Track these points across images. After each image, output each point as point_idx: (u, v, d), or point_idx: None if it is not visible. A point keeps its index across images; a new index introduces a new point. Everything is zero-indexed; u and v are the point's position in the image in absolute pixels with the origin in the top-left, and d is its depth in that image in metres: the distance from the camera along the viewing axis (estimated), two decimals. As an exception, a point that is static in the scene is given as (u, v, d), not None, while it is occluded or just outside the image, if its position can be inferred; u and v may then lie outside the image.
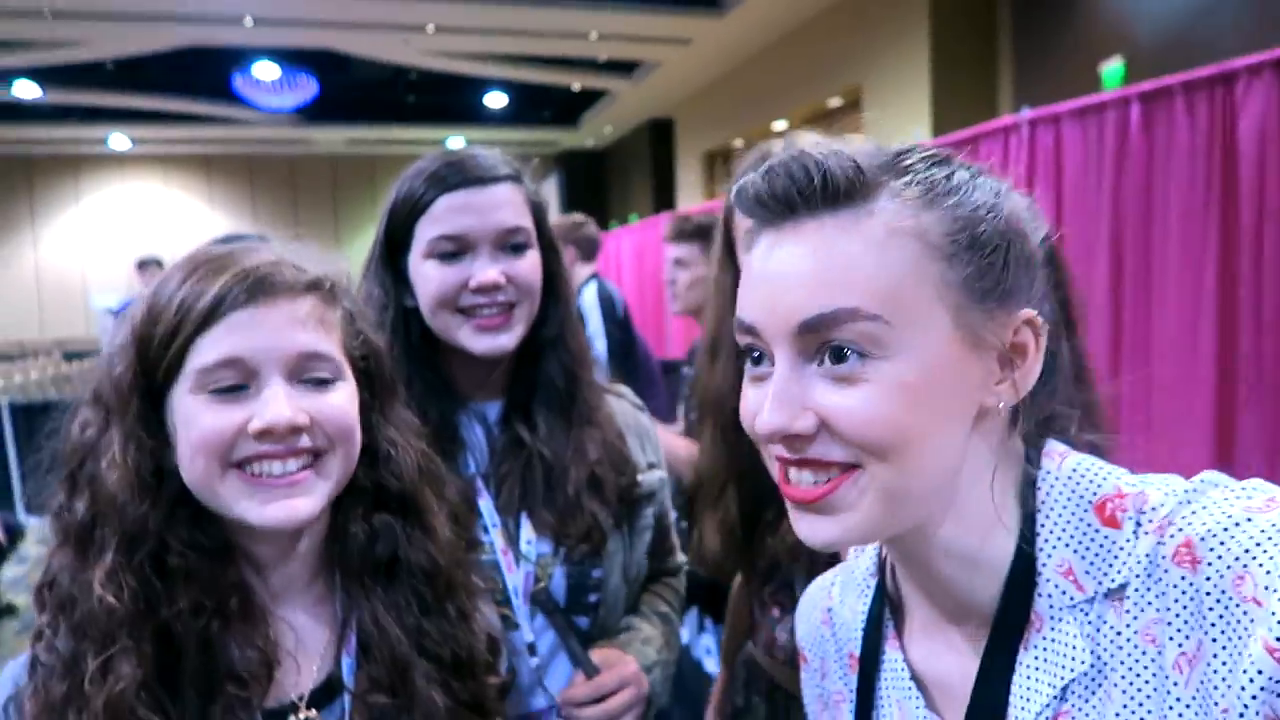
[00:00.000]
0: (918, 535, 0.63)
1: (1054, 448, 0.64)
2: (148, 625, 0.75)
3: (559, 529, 1.16)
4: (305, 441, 0.79)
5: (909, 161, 0.61)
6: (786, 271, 0.58)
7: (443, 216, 1.11)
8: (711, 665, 2.86)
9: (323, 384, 0.81)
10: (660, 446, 1.34)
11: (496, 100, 11.35)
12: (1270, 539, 0.50)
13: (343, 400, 0.82)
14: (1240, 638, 0.50)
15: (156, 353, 0.78)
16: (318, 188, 14.00)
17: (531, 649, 1.16)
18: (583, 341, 1.26)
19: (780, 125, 9.40)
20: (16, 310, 12.53)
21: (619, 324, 3.75)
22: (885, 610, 0.73)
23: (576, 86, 10.69)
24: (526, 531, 1.16)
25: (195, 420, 0.77)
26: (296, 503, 0.79)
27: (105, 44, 8.28)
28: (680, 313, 2.71)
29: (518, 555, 1.15)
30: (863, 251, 0.57)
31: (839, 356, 0.57)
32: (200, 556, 0.79)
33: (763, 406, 0.58)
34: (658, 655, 1.23)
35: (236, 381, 0.78)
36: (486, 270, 1.11)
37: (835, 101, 8.12)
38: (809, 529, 0.60)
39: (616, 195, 13.00)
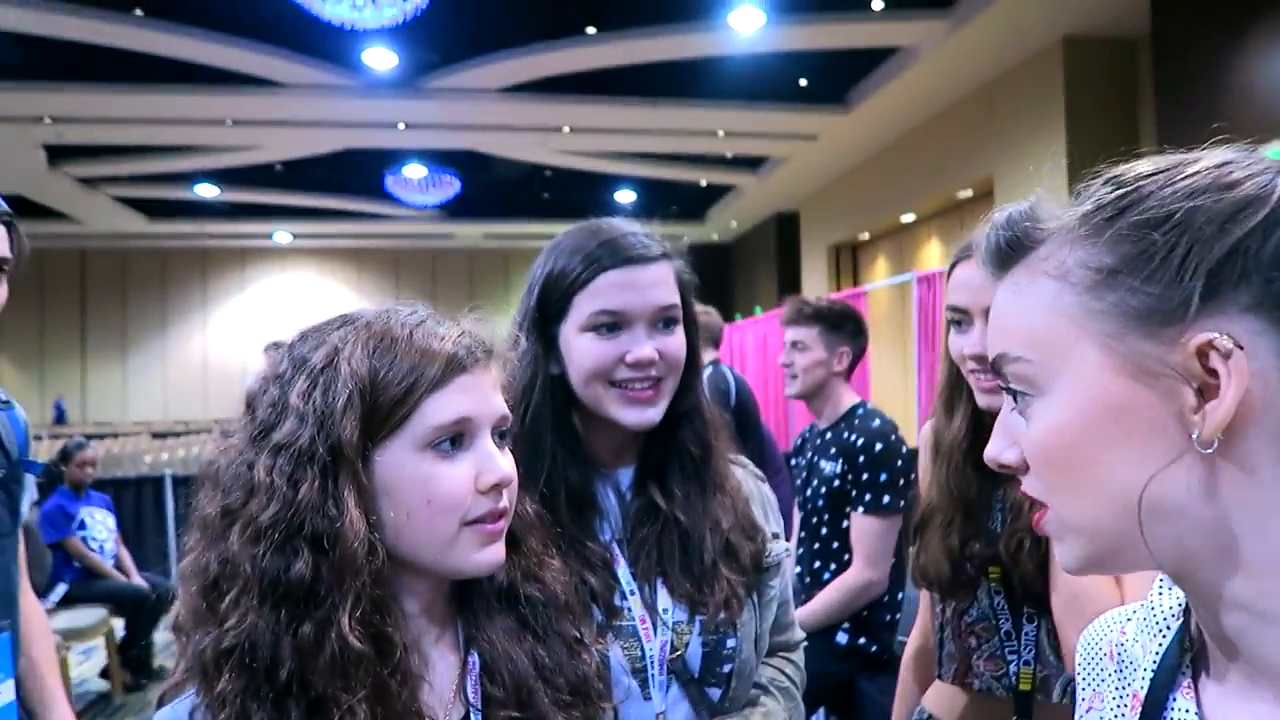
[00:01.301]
0: (1191, 583, 0.58)
1: None
2: (367, 682, 0.77)
3: (696, 596, 1.16)
4: (507, 498, 0.86)
5: (1088, 195, 0.59)
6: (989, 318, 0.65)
7: (603, 292, 1.14)
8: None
9: (505, 438, 0.89)
10: (781, 518, 1.34)
11: (626, 196, 11.77)
12: None
13: (514, 462, 0.90)
14: None
15: (386, 411, 0.82)
16: (456, 279, 14.77)
17: (661, 719, 1.14)
18: (715, 412, 1.28)
19: (909, 218, 9.32)
20: (184, 391, 13.60)
21: (731, 411, 3.77)
22: (1185, 657, 0.66)
23: (703, 182, 10.97)
24: (663, 598, 1.16)
25: (435, 478, 0.81)
26: (501, 547, 0.86)
27: (275, 149, 9.13)
28: (795, 396, 2.68)
29: (655, 622, 1.15)
30: (1007, 299, 0.62)
31: (1014, 396, 0.61)
32: (379, 611, 0.82)
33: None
34: None
35: (458, 436, 0.84)
36: (643, 347, 1.13)
37: (966, 193, 8.01)
38: (1056, 552, 0.64)
39: (742, 288, 13.11)
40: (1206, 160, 0.56)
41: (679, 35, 6.57)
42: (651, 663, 1.13)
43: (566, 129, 8.60)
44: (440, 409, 0.82)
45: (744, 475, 1.31)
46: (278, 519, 0.78)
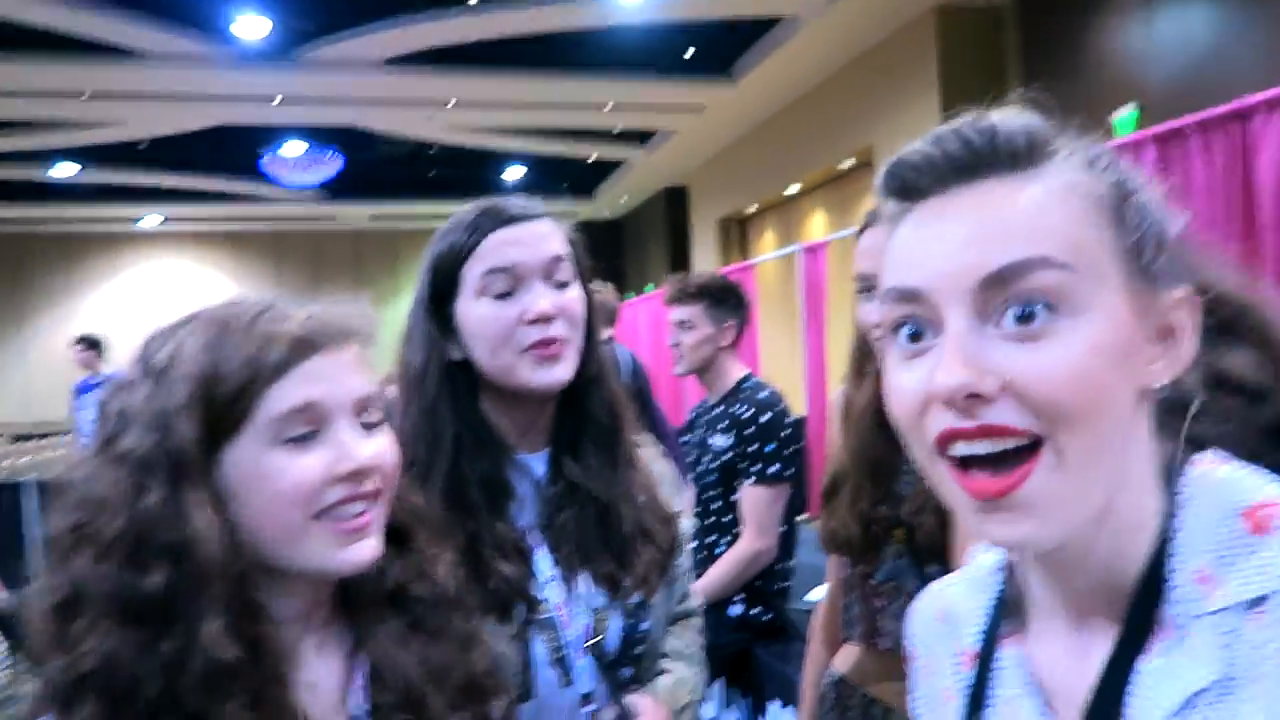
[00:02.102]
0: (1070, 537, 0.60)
1: (1214, 453, 0.61)
2: (241, 690, 0.74)
3: (616, 576, 1.16)
4: (371, 484, 0.81)
5: (1068, 133, 0.61)
6: (965, 228, 0.56)
7: (491, 252, 1.13)
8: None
9: (374, 427, 0.84)
10: (681, 494, 1.37)
11: (515, 173, 11.63)
12: None
13: (389, 445, 0.85)
14: None
15: (224, 408, 0.77)
16: (341, 262, 14.28)
17: (587, 699, 1.15)
18: (620, 384, 1.27)
19: (794, 189, 9.54)
20: (48, 390, 12.68)
21: (633, 388, 3.79)
22: (1007, 609, 0.70)
23: (592, 157, 10.95)
24: (584, 583, 1.16)
25: (281, 472, 0.77)
26: (369, 544, 0.81)
27: (140, 124, 8.60)
28: (685, 373, 2.72)
29: (576, 608, 1.15)
30: (1045, 202, 0.56)
31: (1024, 315, 0.53)
32: (248, 617, 0.78)
33: (938, 367, 0.54)
34: (690, 696, 1.24)
35: (310, 428, 0.79)
36: (539, 300, 1.12)
37: (848, 163, 8.25)
38: (1002, 528, 0.56)
39: (633, 264, 13.16)
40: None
41: (563, 5, 6.52)
42: (569, 647, 1.14)
43: (453, 103, 8.42)
44: (283, 397, 0.78)
45: (649, 454, 1.32)
46: (124, 534, 0.75)
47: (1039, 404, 0.53)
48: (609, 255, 13.30)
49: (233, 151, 9.82)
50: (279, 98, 8.06)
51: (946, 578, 0.81)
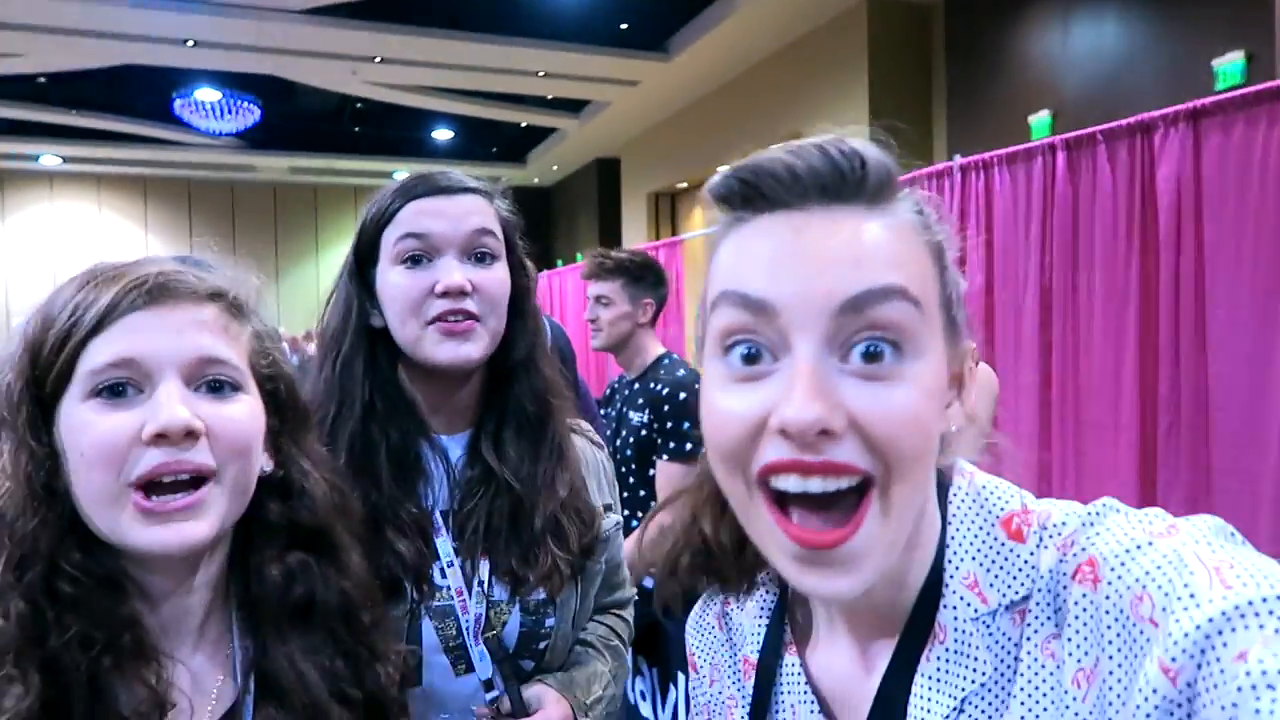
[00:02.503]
0: None
1: (964, 466, 0.65)
2: (35, 654, 0.69)
3: (519, 571, 1.12)
4: (202, 455, 0.74)
5: (899, 182, 0.61)
6: (824, 250, 0.54)
7: (408, 219, 1.09)
8: (646, 709, 2.80)
9: (222, 390, 0.77)
10: (616, 486, 1.32)
11: (443, 134, 11.35)
12: (1170, 563, 0.50)
13: (243, 412, 0.78)
14: (1137, 656, 0.49)
15: (47, 359, 0.73)
16: (258, 215, 13.78)
17: (488, 685, 1.12)
18: (554, 368, 1.23)
19: (723, 169, 9.55)
20: (-67, 329, 12.01)
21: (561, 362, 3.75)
22: (785, 617, 0.72)
23: (524, 123, 10.76)
24: (483, 573, 1.12)
25: (87, 428, 0.72)
26: (190, 526, 0.74)
27: (39, 57, 8.08)
28: (601, 349, 2.71)
29: (471, 596, 1.12)
30: (900, 241, 0.56)
31: (872, 354, 0.53)
32: (92, 585, 0.73)
33: (788, 398, 0.52)
34: (603, 690, 1.20)
35: (126, 381, 0.73)
36: (452, 273, 1.07)
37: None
38: (824, 583, 0.54)
39: (563, 233, 13.04)
40: None
41: (499, -34, 6.35)
42: (468, 633, 1.10)
43: (378, 59, 8.14)
44: (99, 350, 0.73)
45: (582, 443, 1.27)
46: None
47: (881, 444, 0.53)
48: (539, 223, 13.16)
49: (142, 93, 9.34)
50: (191, 41, 7.67)
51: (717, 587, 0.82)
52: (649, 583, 2.66)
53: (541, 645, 1.16)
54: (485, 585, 1.13)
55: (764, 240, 0.57)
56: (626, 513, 2.60)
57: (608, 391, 2.87)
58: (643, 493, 2.56)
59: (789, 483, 0.53)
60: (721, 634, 0.78)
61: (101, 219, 13.09)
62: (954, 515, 0.63)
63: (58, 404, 0.74)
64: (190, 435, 0.73)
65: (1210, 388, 2.83)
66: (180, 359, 0.75)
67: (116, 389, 0.73)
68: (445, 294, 1.07)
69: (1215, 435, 2.81)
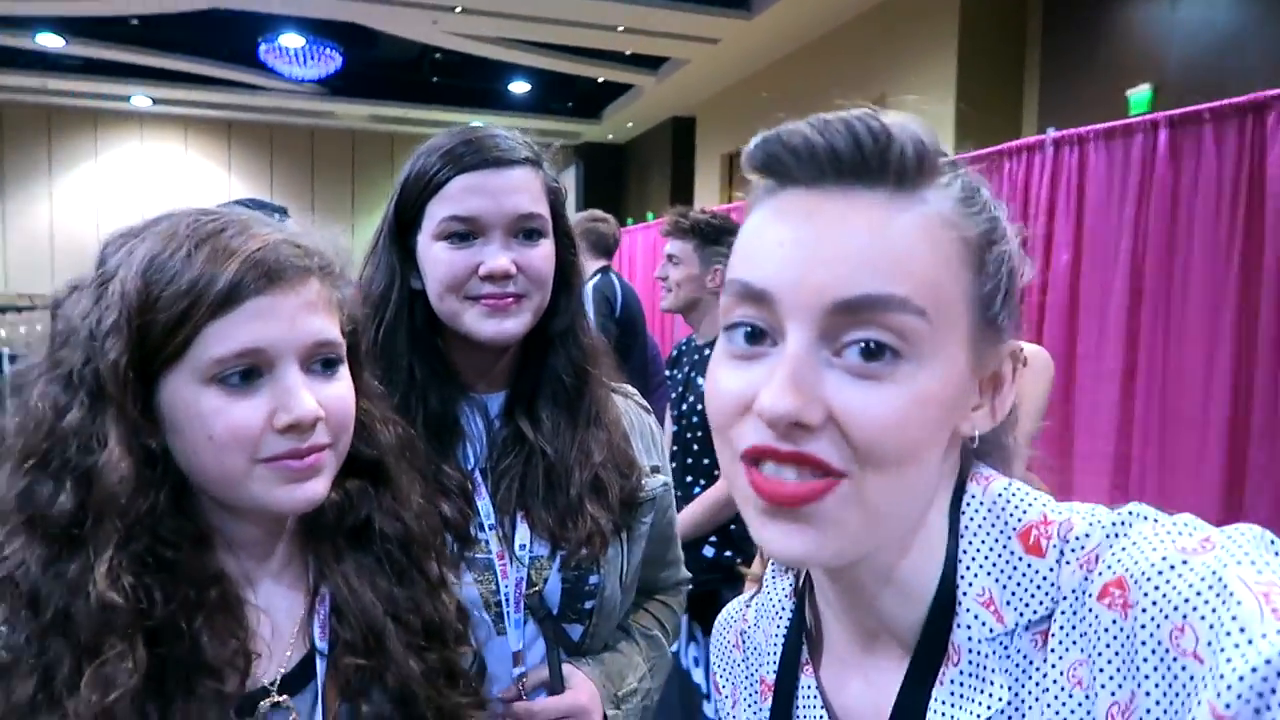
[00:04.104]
0: (866, 560, 0.59)
1: (980, 471, 0.61)
2: (141, 626, 0.71)
3: (558, 531, 1.12)
4: (321, 435, 0.78)
5: (949, 159, 0.57)
6: (830, 241, 0.52)
7: (456, 196, 1.07)
8: (699, 676, 2.81)
9: (329, 368, 0.80)
10: (665, 450, 1.30)
11: (520, 87, 11.32)
12: (1210, 587, 0.46)
13: (346, 389, 0.82)
14: (1180, 695, 0.45)
15: (159, 338, 0.73)
16: (336, 160, 14.00)
17: (517, 658, 1.11)
18: (594, 337, 1.22)
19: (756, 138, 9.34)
20: (27, 262, 12.55)
21: (617, 321, 3.74)
22: (801, 636, 0.70)
23: (600, 79, 10.65)
24: (522, 532, 1.12)
25: (217, 414, 0.73)
26: (315, 484, 0.78)
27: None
28: (670, 310, 2.66)
29: (512, 557, 1.11)
30: (917, 240, 0.52)
31: (870, 352, 0.51)
32: (186, 545, 0.76)
33: (768, 385, 0.52)
34: (638, 683, 1.19)
35: (252, 368, 0.75)
36: (497, 257, 1.06)
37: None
38: (781, 538, 0.54)
39: (635, 191, 12.95)
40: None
41: (582, -83, 6.25)
42: (507, 599, 1.09)
43: (459, 9, 8.12)
44: (224, 338, 0.73)
45: (626, 405, 1.26)
46: (41, 449, 0.73)
47: (858, 444, 0.51)
48: (611, 180, 13.10)
49: (228, 37, 9.49)
50: (278, -15, 7.76)
51: (737, 601, 0.81)
52: (708, 551, 2.65)
53: (587, 605, 1.14)
54: (526, 545, 1.12)
55: (774, 224, 0.55)
56: (689, 478, 2.59)
57: (674, 353, 2.84)
58: (706, 460, 2.55)
59: (766, 468, 0.53)
60: (739, 654, 0.77)
61: (187, 159, 13.44)
62: (966, 526, 0.59)
63: (164, 375, 0.74)
64: (315, 422, 0.77)
65: (1311, 388, 2.69)
66: (298, 344, 0.77)
67: (244, 375, 0.74)
68: (489, 276, 1.06)
69: (1312, 438, 2.68)
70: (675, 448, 2.63)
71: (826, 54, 8.12)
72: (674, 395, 2.68)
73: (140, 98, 12.26)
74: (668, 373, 2.87)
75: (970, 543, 0.58)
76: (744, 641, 0.77)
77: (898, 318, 0.51)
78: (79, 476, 0.72)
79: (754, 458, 0.54)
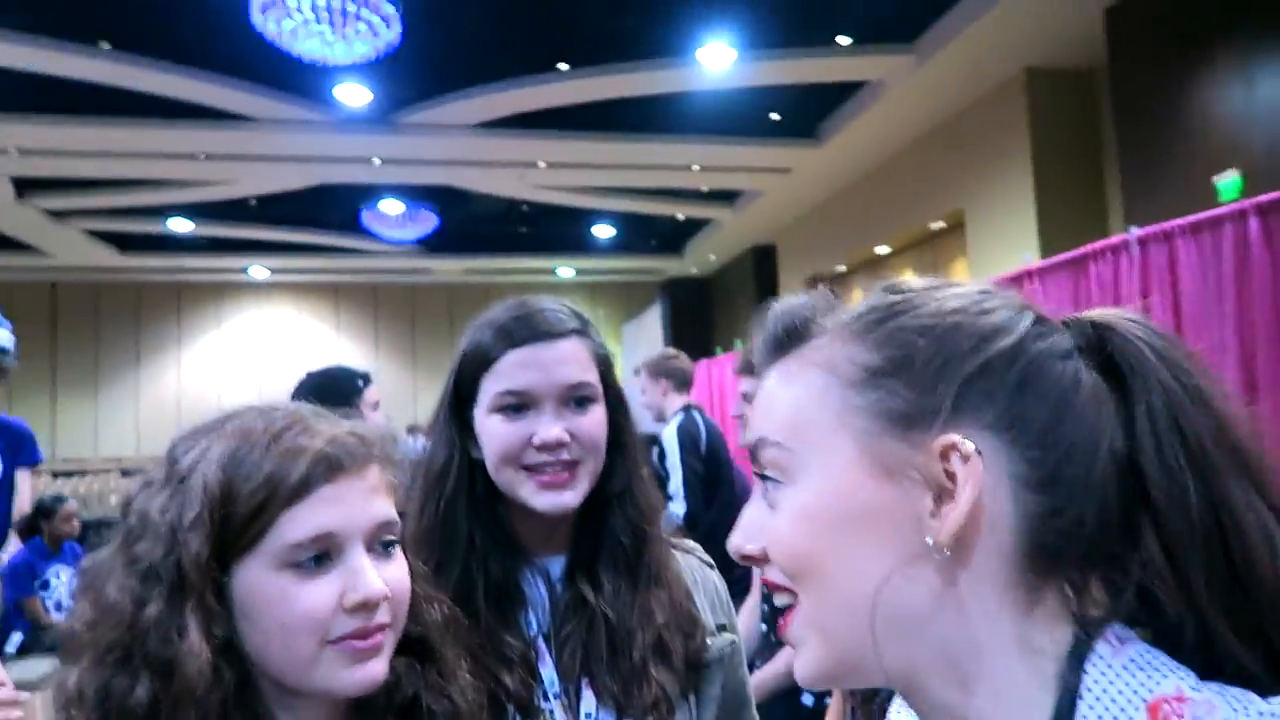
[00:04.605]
0: (922, 698, 0.57)
1: (1116, 631, 0.55)
2: None
3: (623, 699, 1.09)
4: (383, 615, 0.80)
5: (866, 297, 0.62)
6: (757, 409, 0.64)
7: (507, 372, 1.10)
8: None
9: (389, 549, 0.83)
10: (732, 607, 1.27)
11: (604, 231, 11.80)
12: None
13: (404, 570, 0.84)
14: None
15: (238, 528, 0.77)
16: (436, 314, 14.71)
17: None
18: (652, 496, 1.22)
19: (884, 249, 9.37)
20: (157, 427, 13.42)
21: (701, 458, 3.78)
22: None
23: (680, 216, 11.02)
24: (588, 700, 1.10)
25: (291, 600, 0.76)
26: (376, 665, 0.80)
27: (250, 183, 9.11)
28: (746, 446, 2.64)
29: None
30: (776, 386, 0.62)
31: (768, 482, 0.60)
32: None
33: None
34: None
35: (324, 552, 0.78)
36: (550, 428, 1.09)
37: (938, 224, 8.06)
38: (795, 663, 0.61)
39: (722, 321, 13.11)
40: (968, 286, 0.60)
41: (650, 71, 6.63)
42: None
43: (543, 164, 8.62)
44: (298, 524, 0.76)
45: (688, 562, 1.24)
46: (121, 642, 0.75)
47: (779, 565, 0.59)
48: (697, 312, 13.31)
49: (334, 208, 10.29)
50: (377, 159, 8.41)
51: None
52: (808, 699, 2.50)
53: None
54: (592, 714, 1.09)
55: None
56: (764, 627, 2.48)
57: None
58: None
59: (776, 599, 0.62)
60: None
61: (300, 323, 14.38)
62: (1089, 689, 0.53)
63: (236, 565, 0.77)
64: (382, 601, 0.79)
65: None
66: (364, 527, 0.80)
67: (316, 560, 0.77)
68: (543, 447, 1.08)
69: None
70: (764, 589, 2.55)
71: (899, 173, 8.22)
72: None
73: (257, 268, 13.29)
74: None
75: (1092, 707, 0.53)
76: None
77: (766, 453, 0.60)
78: (157, 668, 0.74)
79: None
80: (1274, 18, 4.28)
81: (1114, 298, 3.70)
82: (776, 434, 0.60)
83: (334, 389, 2.63)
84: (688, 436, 3.80)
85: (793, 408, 0.60)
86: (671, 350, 4.19)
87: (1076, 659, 0.54)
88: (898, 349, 0.57)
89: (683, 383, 3.96)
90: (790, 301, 0.65)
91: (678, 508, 3.72)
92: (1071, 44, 5.85)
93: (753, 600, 2.82)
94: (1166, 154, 4.80)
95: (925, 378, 0.56)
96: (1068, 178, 6.08)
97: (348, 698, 0.82)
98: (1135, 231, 3.61)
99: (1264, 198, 3.06)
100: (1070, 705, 0.53)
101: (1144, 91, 4.98)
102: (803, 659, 0.59)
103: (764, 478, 0.61)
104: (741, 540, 0.61)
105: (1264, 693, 0.51)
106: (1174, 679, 0.53)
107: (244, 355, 13.97)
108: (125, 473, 10.45)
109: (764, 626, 2.57)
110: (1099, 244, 3.82)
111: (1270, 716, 0.49)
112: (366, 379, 2.85)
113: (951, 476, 0.54)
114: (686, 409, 3.90)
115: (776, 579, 0.60)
